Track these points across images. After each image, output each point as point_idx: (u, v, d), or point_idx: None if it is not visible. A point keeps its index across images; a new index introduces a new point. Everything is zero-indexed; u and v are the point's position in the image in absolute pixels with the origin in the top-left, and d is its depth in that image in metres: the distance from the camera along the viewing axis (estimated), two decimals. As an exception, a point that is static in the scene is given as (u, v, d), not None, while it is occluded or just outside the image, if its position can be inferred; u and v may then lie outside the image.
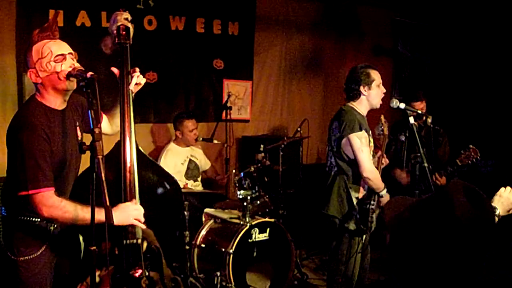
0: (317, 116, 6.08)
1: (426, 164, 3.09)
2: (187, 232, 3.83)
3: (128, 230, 2.32)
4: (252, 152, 4.62)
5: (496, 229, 1.63)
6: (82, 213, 2.11)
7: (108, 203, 1.90)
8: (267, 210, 4.21)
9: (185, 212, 3.82)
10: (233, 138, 5.34)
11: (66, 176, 2.33)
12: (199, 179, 4.70)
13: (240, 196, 3.96)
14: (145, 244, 2.38)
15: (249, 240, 3.76)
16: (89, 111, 1.97)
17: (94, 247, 1.95)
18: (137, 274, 2.30)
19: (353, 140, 3.05)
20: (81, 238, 2.46)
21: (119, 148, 2.36)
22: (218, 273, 3.59)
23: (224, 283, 3.60)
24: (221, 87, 5.41)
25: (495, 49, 5.66)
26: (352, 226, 3.11)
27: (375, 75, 3.21)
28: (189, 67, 5.18)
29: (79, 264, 2.42)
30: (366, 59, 5.76)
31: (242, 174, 4.12)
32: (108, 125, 2.64)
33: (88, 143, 1.95)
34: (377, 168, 3.16)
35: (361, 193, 3.20)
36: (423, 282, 1.52)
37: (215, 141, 4.84)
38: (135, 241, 2.34)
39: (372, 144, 3.24)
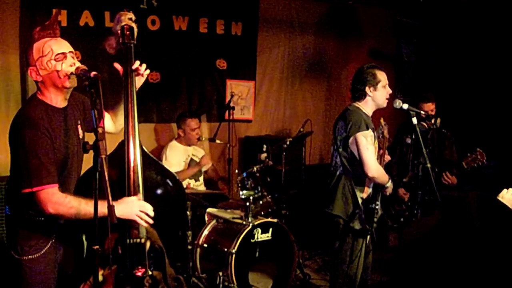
0: (320, 116, 6.08)
1: (429, 165, 3.07)
2: (189, 232, 3.83)
3: (132, 228, 2.32)
4: (254, 152, 4.63)
5: None
6: (86, 207, 2.12)
7: (111, 203, 1.90)
8: (270, 210, 4.22)
9: (188, 212, 3.82)
10: (236, 138, 5.36)
11: (69, 173, 2.33)
12: (200, 178, 4.70)
13: (243, 196, 3.97)
14: (148, 244, 2.38)
15: (252, 240, 3.76)
16: (93, 111, 1.97)
17: (97, 246, 1.96)
18: (140, 273, 2.31)
19: (359, 139, 3.05)
20: (84, 237, 2.46)
21: (122, 147, 2.37)
22: (221, 273, 3.59)
23: (226, 283, 3.60)
24: (224, 87, 5.42)
25: (497, 50, 5.64)
26: (357, 225, 3.11)
27: (382, 76, 3.18)
28: (192, 67, 5.19)
29: (82, 263, 2.43)
30: (369, 59, 5.76)
31: (245, 174, 4.13)
32: (111, 123, 2.63)
33: (91, 143, 1.95)
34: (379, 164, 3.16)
35: (366, 193, 3.20)
36: None
37: (218, 141, 4.84)
38: (138, 240, 2.35)
39: (376, 144, 3.23)
